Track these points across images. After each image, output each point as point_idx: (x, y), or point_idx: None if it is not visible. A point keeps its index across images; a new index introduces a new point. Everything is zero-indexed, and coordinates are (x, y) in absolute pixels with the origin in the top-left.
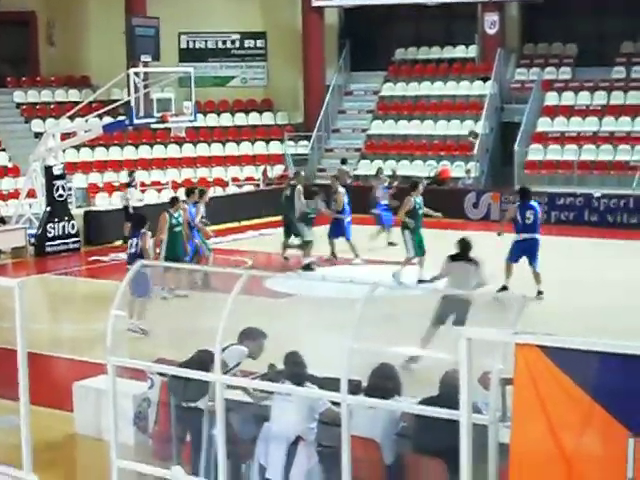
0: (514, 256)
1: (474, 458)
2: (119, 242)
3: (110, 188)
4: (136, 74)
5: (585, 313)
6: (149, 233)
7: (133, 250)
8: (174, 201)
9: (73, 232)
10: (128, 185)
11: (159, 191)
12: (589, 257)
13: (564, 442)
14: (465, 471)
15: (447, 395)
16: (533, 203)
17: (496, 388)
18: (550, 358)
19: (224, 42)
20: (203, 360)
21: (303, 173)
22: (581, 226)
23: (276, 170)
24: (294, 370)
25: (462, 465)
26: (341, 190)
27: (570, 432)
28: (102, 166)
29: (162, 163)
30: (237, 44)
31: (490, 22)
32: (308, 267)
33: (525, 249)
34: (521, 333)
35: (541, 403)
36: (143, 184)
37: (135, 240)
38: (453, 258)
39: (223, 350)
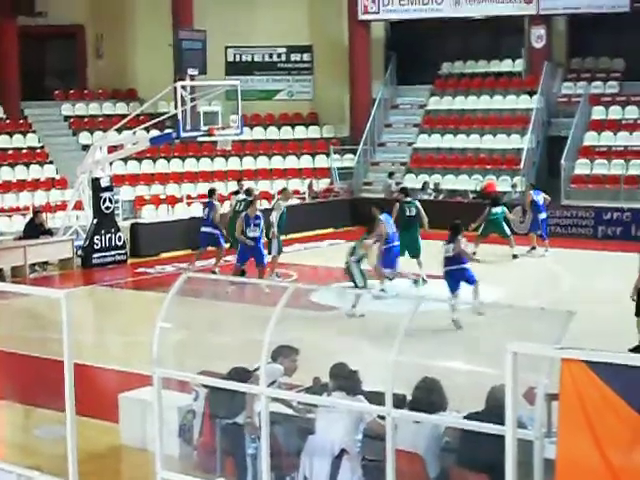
0: (391, 262)
1: (519, 474)
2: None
3: (157, 200)
4: (183, 87)
5: (634, 328)
6: (464, 239)
7: (450, 254)
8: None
9: (120, 244)
10: (236, 193)
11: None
12: (636, 272)
13: (611, 458)
14: None
15: (493, 410)
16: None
17: (542, 403)
18: (596, 373)
19: (270, 55)
20: (237, 378)
21: (291, 190)
22: (628, 241)
23: (322, 183)
24: (343, 380)
25: None
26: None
27: (617, 448)
28: (149, 179)
29: (208, 176)
30: (283, 57)
31: (537, 36)
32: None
33: (390, 255)
34: (567, 348)
35: (587, 418)
36: (190, 197)
37: (450, 246)
38: None
39: (257, 370)
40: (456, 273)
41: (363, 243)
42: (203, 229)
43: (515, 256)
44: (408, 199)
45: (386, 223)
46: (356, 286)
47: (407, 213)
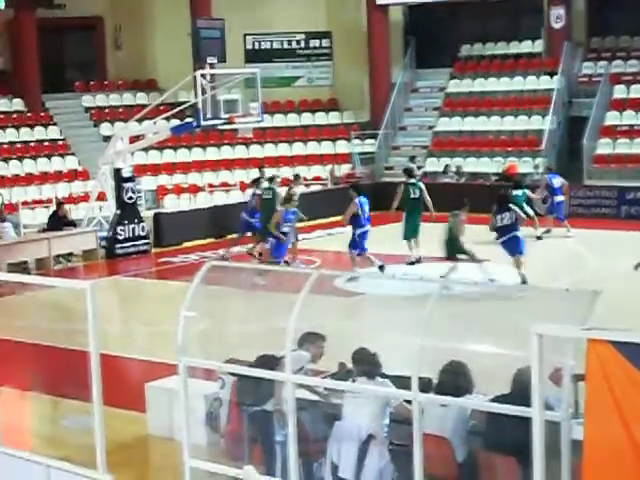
0: (362, 245)
1: (547, 455)
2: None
3: (179, 190)
4: (202, 76)
5: None
6: (517, 211)
7: (506, 222)
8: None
9: (143, 234)
10: (256, 181)
11: (227, 192)
12: None
13: (638, 438)
14: (538, 468)
15: (519, 393)
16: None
17: (568, 385)
18: (622, 354)
19: (289, 42)
20: (265, 365)
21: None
22: None
23: (343, 169)
24: (365, 365)
25: (535, 462)
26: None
27: None
28: (170, 168)
29: (230, 164)
30: (302, 44)
31: (556, 16)
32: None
33: (365, 238)
34: (593, 329)
35: (614, 399)
36: (211, 185)
37: (507, 214)
38: None
39: (284, 357)
40: (512, 241)
41: (457, 220)
42: (243, 215)
43: (539, 237)
44: (412, 180)
45: (359, 205)
46: (473, 260)
47: (411, 195)
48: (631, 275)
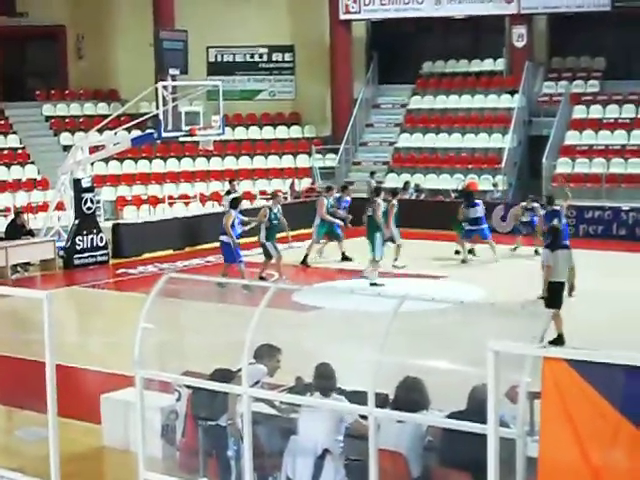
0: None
1: (501, 472)
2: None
3: (138, 201)
4: (164, 87)
5: (613, 326)
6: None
7: (479, 215)
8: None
9: (101, 245)
10: (228, 193)
11: (187, 204)
12: (617, 270)
13: (592, 456)
14: None
15: (475, 409)
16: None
17: (524, 402)
18: (578, 372)
19: (252, 55)
20: (220, 379)
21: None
22: (609, 239)
23: (304, 183)
24: (323, 381)
25: (489, 479)
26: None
27: (598, 446)
28: (130, 179)
29: (190, 176)
30: (265, 57)
31: (518, 35)
32: None
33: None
34: (548, 346)
35: (569, 417)
36: (171, 197)
37: (478, 208)
38: (551, 248)
39: (239, 371)
40: (484, 230)
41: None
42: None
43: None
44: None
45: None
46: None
47: (368, 213)
48: (587, 292)
